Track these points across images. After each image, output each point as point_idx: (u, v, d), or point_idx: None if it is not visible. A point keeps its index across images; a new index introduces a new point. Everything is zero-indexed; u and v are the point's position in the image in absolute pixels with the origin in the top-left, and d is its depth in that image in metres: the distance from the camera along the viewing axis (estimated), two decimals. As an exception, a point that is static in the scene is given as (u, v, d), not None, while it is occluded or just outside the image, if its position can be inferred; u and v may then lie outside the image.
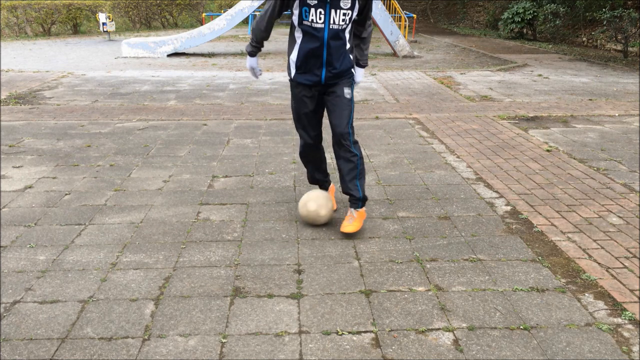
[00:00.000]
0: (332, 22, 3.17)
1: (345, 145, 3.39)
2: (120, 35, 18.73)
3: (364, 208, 3.55)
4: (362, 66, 3.53)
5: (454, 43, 17.09)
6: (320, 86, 3.39)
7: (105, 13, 17.72)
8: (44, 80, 9.43)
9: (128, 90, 8.53)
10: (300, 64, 3.33)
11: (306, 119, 3.51)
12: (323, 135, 3.67)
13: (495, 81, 9.72)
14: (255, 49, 3.48)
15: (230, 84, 9.25)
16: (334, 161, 3.78)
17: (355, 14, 3.22)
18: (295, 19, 3.28)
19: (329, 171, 4.01)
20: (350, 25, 3.27)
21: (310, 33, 3.22)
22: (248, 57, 3.54)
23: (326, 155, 3.83)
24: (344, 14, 3.17)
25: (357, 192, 3.47)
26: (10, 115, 6.70)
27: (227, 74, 10.34)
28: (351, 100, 3.42)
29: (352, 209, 3.51)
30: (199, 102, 7.70)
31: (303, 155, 3.68)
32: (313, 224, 3.59)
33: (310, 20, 3.19)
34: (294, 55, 3.34)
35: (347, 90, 3.38)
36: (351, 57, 3.38)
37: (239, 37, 18.22)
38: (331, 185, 3.96)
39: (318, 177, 3.83)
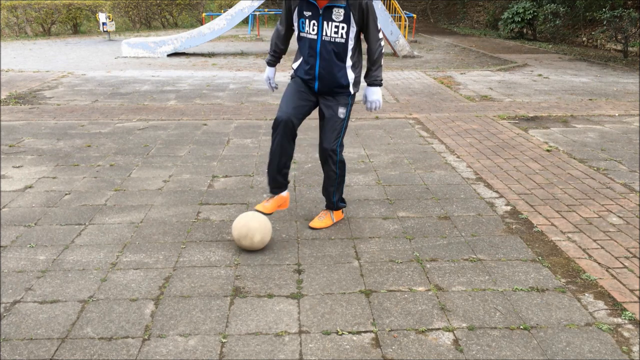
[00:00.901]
0: (324, 34, 3.19)
1: (330, 162, 3.44)
2: (120, 35, 18.74)
3: (340, 211, 3.71)
4: (371, 85, 3.34)
5: (454, 43, 17.09)
6: (314, 93, 3.40)
7: (105, 13, 17.72)
8: (44, 80, 9.43)
9: (128, 90, 8.53)
10: (297, 72, 3.40)
11: (290, 97, 3.37)
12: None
13: (495, 81, 9.72)
14: (272, 58, 3.54)
15: (230, 83, 9.25)
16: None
17: (353, 29, 3.17)
18: (296, 31, 3.34)
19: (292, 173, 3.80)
20: (351, 42, 3.22)
21: (306, 44, 3.27)
22: (266, 67, 3.59)
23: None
24: (336, 27, 3.16)
25: (330, 199, 3.63)
26: (10, 115, 6.70)
27: (227, 74, 10.35)
28: (344, 120, 3.39)
29: (326, 209, 3.70)
30: (199, 102, 7.70)
31: (274, 126, 3.39)
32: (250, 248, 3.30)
33: (306, 31, 3.24)
34: (295, 64, 3.43)
35: (341, 110, 3.36)
36: (350, 75, 3.30)
37: (239, 37, 18.23)
38: (286, 193, 3.64)
39: (278, 178, 3.51)
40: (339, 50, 3.22)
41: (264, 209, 3.47)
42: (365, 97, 3.41)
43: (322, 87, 3.33)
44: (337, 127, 3.37)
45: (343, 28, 3.16)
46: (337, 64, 3.25)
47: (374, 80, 3.33)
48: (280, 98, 8.13)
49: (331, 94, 3.35)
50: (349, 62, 3.27)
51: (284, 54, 3.55)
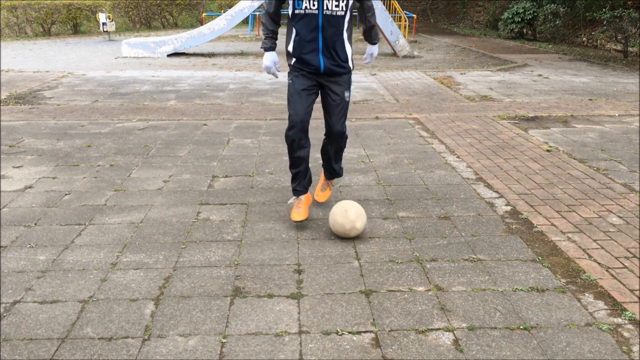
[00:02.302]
0: (325, 7, 3.23)
1: (339, 139, 3.69)
2: (120, 35, 18.74)
3: (331, 181, 4.01)
4: (373, 45, 3.68)
5: (454, 43, 17.09)
6: (319, 76, 3.44)
7: (105, 13, 17.72)
8: (44, 80, 9.43)
9: (128, 90, 8.53)
10: (297, 52, 3.39)
11: (299, 97, 3.44)
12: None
13: (495, 81, 9.72)
14: (271, 40, 3.49)
15: (230, 84, 9.25)
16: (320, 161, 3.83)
17: (351, 2, 3.28)
18: (290, 9, 3.34)
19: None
20: (348, 13, 3.31)
21: (305, 21, 3.28)
22: (266, 53, 3.51)
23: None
24: (337, 0, 3.23)
25: (334, 169, 3.87)
26: (10, 115, 6.70)
27: (227, 74, 10.34)
28: (349, 101, 3.62)
29: (327, 180, 3.96)
30: (199, 102, 7.70)
31: (288, 136, 3.51)
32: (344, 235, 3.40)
33: (303, 7, 3.25)
34: (290, 46, 3.43)
35: (347, 94, 3.54)
36: (348, 48, 3.42)
37: (239, 37, 18.22)
38: (307, 194, 3.75)
39: (301, 181, 3.67)
40: (339, 22, 3.30)
41: (300, 216, 3.56)
42: (371, 54, 3.72)
43: (327, 64, 3.39)
44: (344, 110, 3.60)
45: (343, 1, 3.24)
46: (337, 36, 3.34)
47: (374, 41, 3.66)
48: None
49: (335, 73, 3.44)
50: (345, 35, 3.38)
51: (277, 33, 3.54)
